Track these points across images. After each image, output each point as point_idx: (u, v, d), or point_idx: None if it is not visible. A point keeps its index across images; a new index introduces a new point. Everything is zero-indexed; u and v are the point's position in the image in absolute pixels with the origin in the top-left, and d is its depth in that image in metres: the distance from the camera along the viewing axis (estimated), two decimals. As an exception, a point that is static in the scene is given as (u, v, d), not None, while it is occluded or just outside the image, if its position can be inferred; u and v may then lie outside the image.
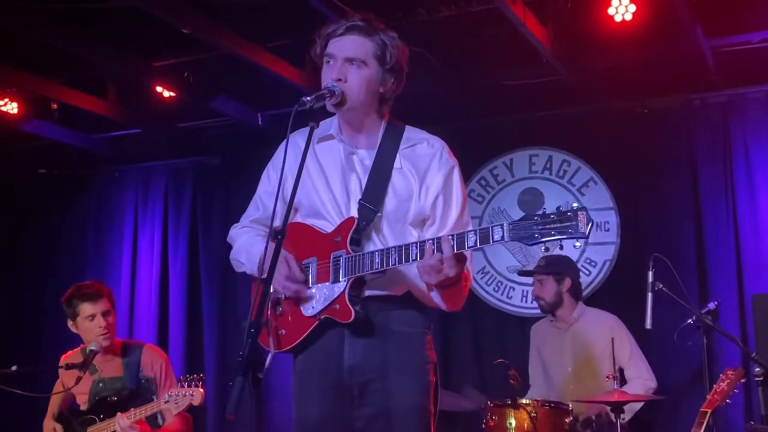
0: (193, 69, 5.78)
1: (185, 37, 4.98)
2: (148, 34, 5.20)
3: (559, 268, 5.16)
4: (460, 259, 2.44)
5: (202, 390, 3.89)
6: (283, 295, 2.70)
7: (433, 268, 2.41)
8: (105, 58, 5.48)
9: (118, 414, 3.99)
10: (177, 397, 3.88)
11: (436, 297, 2.63)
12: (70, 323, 4.31)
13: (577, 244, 5.04)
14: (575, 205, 2.27)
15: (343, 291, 2.57)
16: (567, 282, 5.16)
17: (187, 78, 5.81)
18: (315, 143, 2.73)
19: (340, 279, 2.58)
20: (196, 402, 3.88)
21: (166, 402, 3.91)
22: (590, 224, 2.24)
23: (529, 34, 4.84)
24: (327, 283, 2.61)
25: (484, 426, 4.47)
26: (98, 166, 7.43)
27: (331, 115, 2.73)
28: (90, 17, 5.01)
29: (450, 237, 2.41)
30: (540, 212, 2.31)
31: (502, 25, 4.88)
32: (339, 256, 2.60)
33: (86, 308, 4.24)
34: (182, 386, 3.91)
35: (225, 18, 5.02)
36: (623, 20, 4.84)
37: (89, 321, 4.24)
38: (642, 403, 4.84)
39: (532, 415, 4.31)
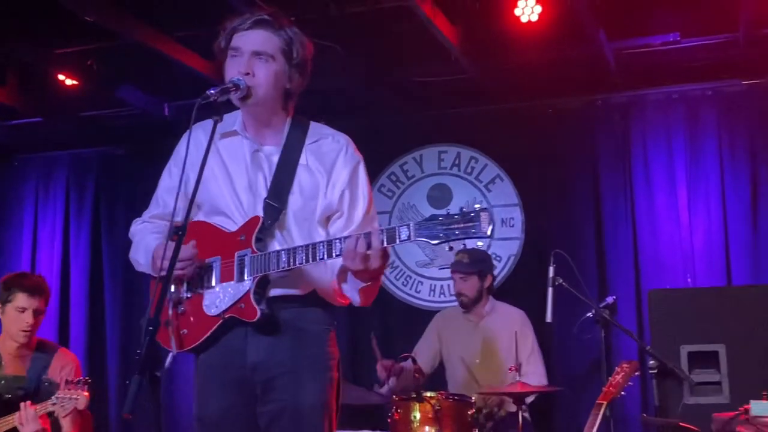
0: (97, 57, 5.63)
1: (90, 24, 4.85)
2: (51, 20, 5.04)
3: (482, 265, 5.25)
4: (384, 254, 2.45)
5: (86, 393, 3.84)
6: (185, 295, 2.66)
7: (358, 253, 2.40)
8: (5, 44, 5.29)
9: (28, 403, 3.91)
10: (63, 400, 3.84)
11: (351, 291, 2.62)
12: None
13: (479, 243, 5.15)
14: (478, 206, 2.30)
15: (249, 290, 2.54)
16: (488, 279, 5.27)
17: (90, 66, 5.66)
18: (218, 139, 2.68)
19: (245, 278, 2.55)
20: (81, 406, 3.83)
21: (53, 404, 3.86)
22: (492, 225, 2.29)
23: (438, 32, 4.90)
24: (231, 282, 2.58)
25: (389, 419, 4.51)
26: (-4, 155, 7.18)
27: (235, 108, 2.69)
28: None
29: (361, 235, 2.41)
30: (444, 212, 2.33)
31: (412, 22, 4.91)
32: (244, 255, 2.57)
33: (21, 299, 4.15)
34: (69, 389, 3.86)
35: (131, 6, 4.91)
36: (529, 21, 4.91)
37: (19, 312, 4.15)
38: (534, 396, 4.95)
39: (437, 408, 4.36)
